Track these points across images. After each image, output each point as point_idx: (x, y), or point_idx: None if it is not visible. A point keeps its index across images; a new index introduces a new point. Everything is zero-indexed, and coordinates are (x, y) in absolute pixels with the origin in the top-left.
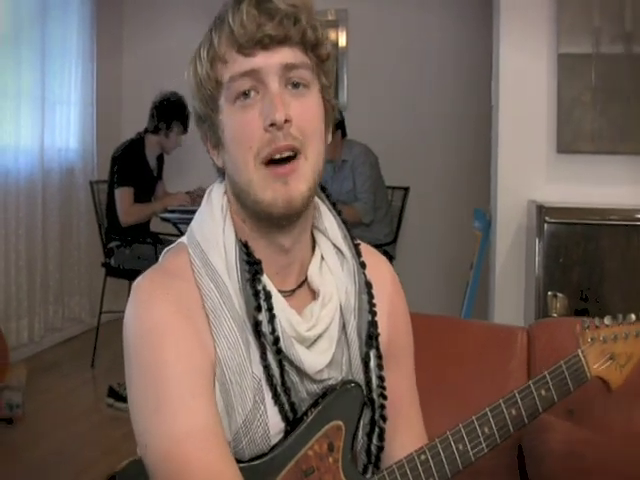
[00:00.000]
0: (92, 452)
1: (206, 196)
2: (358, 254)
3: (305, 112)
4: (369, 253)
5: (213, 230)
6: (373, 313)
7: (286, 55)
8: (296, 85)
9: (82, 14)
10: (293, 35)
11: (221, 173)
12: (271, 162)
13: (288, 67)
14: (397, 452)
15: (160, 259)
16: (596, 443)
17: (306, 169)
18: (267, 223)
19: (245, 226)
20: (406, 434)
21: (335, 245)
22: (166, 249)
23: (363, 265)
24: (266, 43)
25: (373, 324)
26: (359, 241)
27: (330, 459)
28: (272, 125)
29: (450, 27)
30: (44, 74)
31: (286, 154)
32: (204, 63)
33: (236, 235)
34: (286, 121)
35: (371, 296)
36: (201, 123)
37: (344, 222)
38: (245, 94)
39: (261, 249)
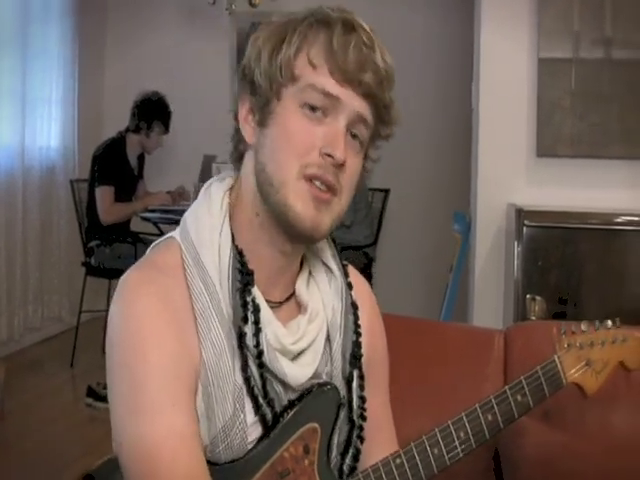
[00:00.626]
0: (71, 451)
1: (203, 191)
2: (346, 274)
3: (352, 167)
4: (353, 274)
5: (209, 230)
6: (358, 334)
7: (365, 107)
8: (354, 137)
9: (64, 13)
10: (378, 98)
11: (237, 157)
12: (310, 181)
13: (359, 118)
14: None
15: (148, 252)
16: (572, 447)
17: (336, 207)
18: (278, 226)
19: (250, 224)
20: (380, 448)
21: (324, 263)
22: (154, 243)
23: (350, 286)
24: (356, 86)
25: (357, 345)
26: (346, 262)
27: (306, 461)
28: (329, 156)
29: (432, 28)
30: (25, 72)
31: (324, 188)
32: (293, 49)
33: (232, 240)
34: (342, 164)
35: (356, 317)
36: (253, 93)
37: (333, 241)
38: (313, 108)
39: (260, 249)
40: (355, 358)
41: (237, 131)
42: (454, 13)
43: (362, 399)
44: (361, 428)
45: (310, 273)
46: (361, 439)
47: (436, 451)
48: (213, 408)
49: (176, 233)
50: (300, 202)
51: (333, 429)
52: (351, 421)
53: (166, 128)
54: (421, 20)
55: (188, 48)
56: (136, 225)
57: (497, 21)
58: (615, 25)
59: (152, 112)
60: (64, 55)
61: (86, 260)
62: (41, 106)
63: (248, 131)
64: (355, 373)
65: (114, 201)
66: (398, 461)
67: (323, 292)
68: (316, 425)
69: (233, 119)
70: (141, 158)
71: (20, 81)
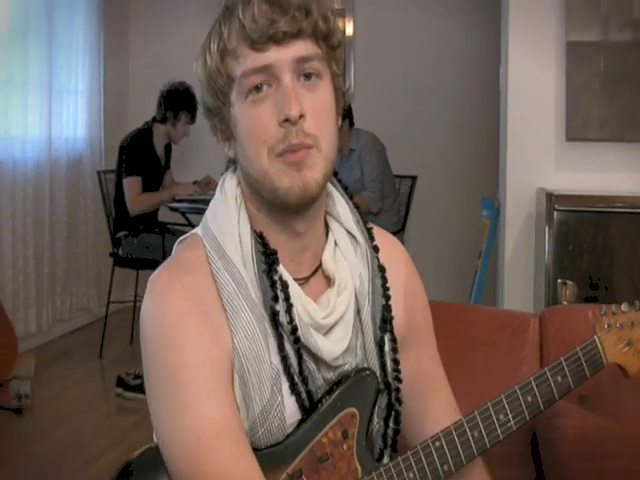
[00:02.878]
0: (102, 442)
1: (219, 186)
2: (371, 238)
3: (318, 104)
4: (382, 236)
5: (228, 221)
6: (387, 297)
7: (299, 48)
8: (308, 76)
9: (89, 3)
10: (305, 28)
11: (232, 163)
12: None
13: (301, 60)
14: (430, 428)
15: (173, 251)
16: (609, 429)
17: (319, 160)
18: (282, 209)
19: (260, 214)
20: (438, 407)
21: (348, 230)
22: (178, 240)
23: (376, 249)
24: (279, 38)
25: (387, 308)
26: (372, 225)
27: (344, 446)
28: (286, 121)
29: (457, 14)
30: (51, 64)
31: (296, 151)
32: (214, 57)
33: (251, 226)
34: (300, 116)
35: (384, 280)
36: (211, 116)
37: (356, 207)
38: (257, 88)
39: (275, 235)
40: (385, 322)
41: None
42: None
43: (395, 362)
44: (397, 390)
45: (335, 243)
46: (399, 401)
47: (476, 433)
48: (250, 394)
49: (198, 229)
50: (284, 178)
51: (371, 414)
52: (387, 385)
53: (193, 118)
54: (444, 7)
55: None
56: (164, 215)
57: (525, 4)
58: None
59: (179, 102)
60: (89, 46)
61: (114, 251)
62: (67, 97)
63: (227, 149)
64: (387, 337)
65: (141, 191)
66: (437, 444)
67: (349, 261)
68: (354, 410)
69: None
70: (168, 148)
71: (46, 72)
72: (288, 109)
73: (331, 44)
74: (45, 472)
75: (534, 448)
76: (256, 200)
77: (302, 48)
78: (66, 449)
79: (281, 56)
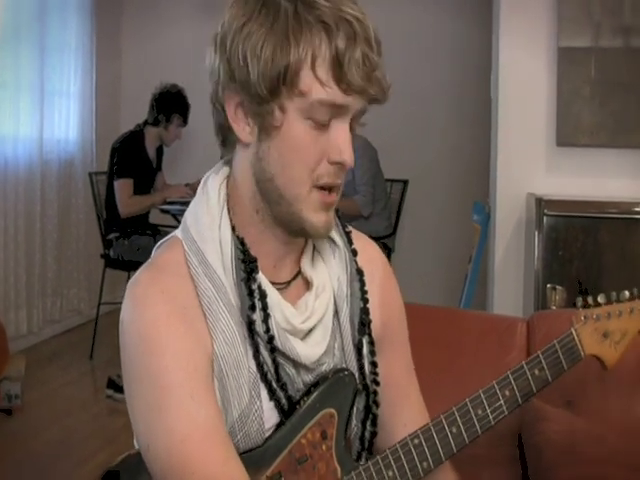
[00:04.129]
0: (92, 443)
1: (201, 186)
2: (349, 241)
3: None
4: (360, 239)
5: (209, 225)
6: (365, 300)
7: (364, 103)
8: (352, 128)
9: (82, 6)
10: (382, 96)
11: (229, 148)
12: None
13: (362, 113)
14: (400, 431)
15: (153, 254)
16: (595, 433)
17: (337, 200)
18: (286, 226)
19: (256, 216)
20: (407, 413)
21: None
22: (158, 243)
23: (354, 252)
24: (362, 94)
25: (365, 311)
26: (350, 228)
27: (323, 447)
28: (338, 163)
29: (449, 19)
30: (43, 66)
31: (332, 191)
32: (294, 60)
33: (233, 231)
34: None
35: (362, 283)
36: (237, 84)
37: (335, 210)
38: (322, 121)
39: (264, 240)
40: (363, 325)
41: (226, 120)
42: (471, 1)
43: (373, 364)
44: (375, 393)
45: (314, 247)
46: (376, 404)
47: (454, 429)
48: (229, 399)
49: (178, 232)
50: (314, 213)
51: (350, 414)
52: (365, 387)
53: (185, 121)
54: (436, 13)
55: (205, 40)
56: (155, 217)
57: (517, 10)
58: (635, 14)
59: (171, 105)
60: (82, 48)
61: (105, 252)
62: (59, 99)
63: (242, 129)
64: (365, 339)
65: (133, 194)
66: (416, 441)
67: (328, 264)
68: (333, 411)
69: (211, 103)
70: (160, 151)
71: (38, 74)
72: (345, 155)
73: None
74: (35, 473)
75: (521, 451)
76: (258, 203)
77: (365, 104)
78: (56, 450)
79: (356, 104)
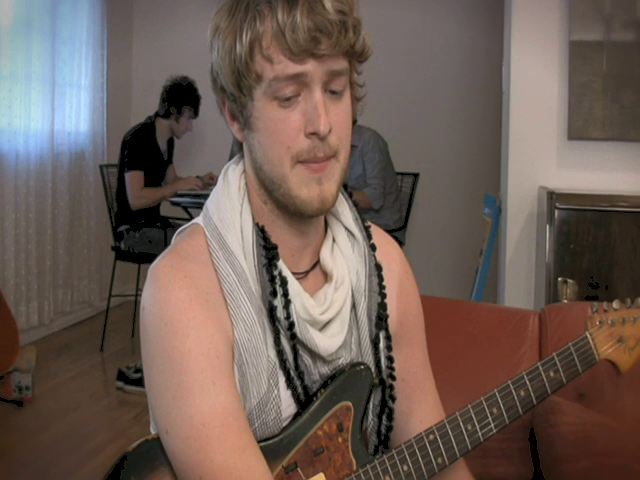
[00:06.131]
0: (102, 435)
1: (222, 176)
2: (369, 236)
3: (341, 117)
4: (379, 235)
5: (230, 213)
6: (383, 295)
7: (333, 64)
8: (334, 92)
9: None
10: (343, 46)
11: (239, 146)
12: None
13: (333, 74)
14: (416, 427)
15: (174, 241)
16: (607, 426)
17: (337, 170)
18: (290, 211)
19: (265, 207)
20: (423, 409)
21: (346, 228)
22: (179, 230)
23: (373, 247)
24: (316, 54)
25: (383, 306)
26: (369, 223)
27: (339, 439)
28: (314, 134)
29: (461, 12)
30: (54, 58)
31: (320, 162)
32: (244, 49)
33: (253, 218)
34: (329, 131)
35: (381, 278)
36: (224, 96)
37: (355, 204)
38: (287, 97)
39: (279, 231)
40: (380, 320)
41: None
42: None
43: (390, 359)
44: (391, 387)
45: (334, 240)
46: (392, 398)
47: (469, 427)
48: (247, 386)
49: (199, 219)
50: (304, 188)
51: (366, 408)
52: (382, 382)
53: (196, 113)
54: (448, 5)
55: None
56: (166, 210)
57: (528, 4)
58: None
59: (182, 97)
60: (93, 40)
61: (115, 245)
62: (70, 91)
63: (236, 131)
64: (382, 334)
65: (144, 186)
66: (431, 437)
67: (347, 257)
68: (349, 404)
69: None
70: (170, 143)
71: (49, 67)
72: (318, 124)
73: (361, 60)
74: (45, 464)
75: (533, 445)
76: (263, 194)
77: (336, 63)
78: (67, 442)
79: (316, 69)
